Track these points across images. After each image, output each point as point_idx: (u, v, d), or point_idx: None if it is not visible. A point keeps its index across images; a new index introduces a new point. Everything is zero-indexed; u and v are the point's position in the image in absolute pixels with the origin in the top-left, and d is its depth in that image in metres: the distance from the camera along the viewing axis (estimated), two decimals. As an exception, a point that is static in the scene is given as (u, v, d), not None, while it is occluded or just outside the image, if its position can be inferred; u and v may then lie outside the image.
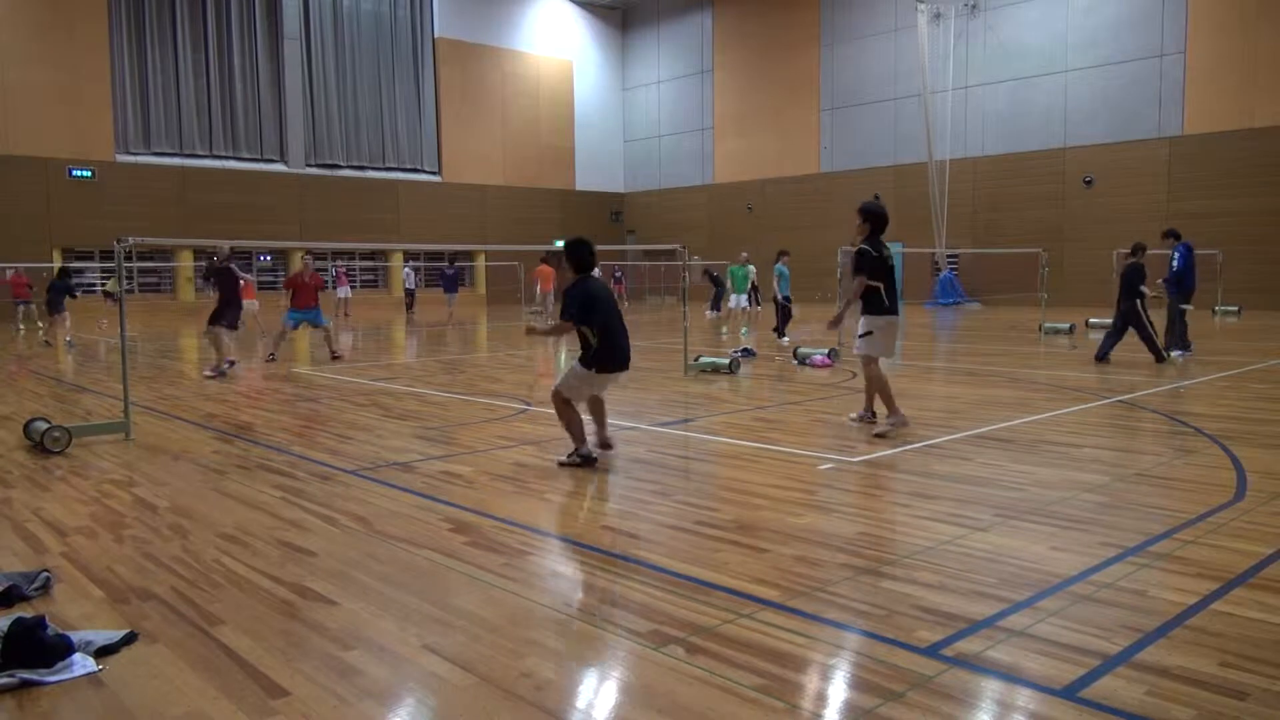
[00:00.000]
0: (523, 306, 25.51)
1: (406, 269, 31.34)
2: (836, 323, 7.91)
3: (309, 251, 16.44)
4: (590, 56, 40.68)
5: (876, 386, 7.45)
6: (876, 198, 33.10)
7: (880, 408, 7.62)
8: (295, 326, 14.23)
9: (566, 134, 40.13)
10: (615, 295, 6.76)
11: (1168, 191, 26.28)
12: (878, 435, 7.25)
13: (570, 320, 6.31)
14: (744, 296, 19.63)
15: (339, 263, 32.70)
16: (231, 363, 12.77)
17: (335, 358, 14.13)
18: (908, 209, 31.61)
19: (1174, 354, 12.74)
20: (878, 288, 7.37)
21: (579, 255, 6.38)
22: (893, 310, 7.45)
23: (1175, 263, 12.93)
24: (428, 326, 23.93)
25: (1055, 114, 28.32)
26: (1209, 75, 25.31)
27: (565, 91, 39.97)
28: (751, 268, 19.74)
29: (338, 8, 33.70)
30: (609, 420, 6.78)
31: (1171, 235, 13.23)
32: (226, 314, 12.67)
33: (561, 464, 6.33)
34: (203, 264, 15.21)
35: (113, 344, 18.02)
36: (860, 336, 7.49)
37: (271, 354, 14.14)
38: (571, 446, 6.41)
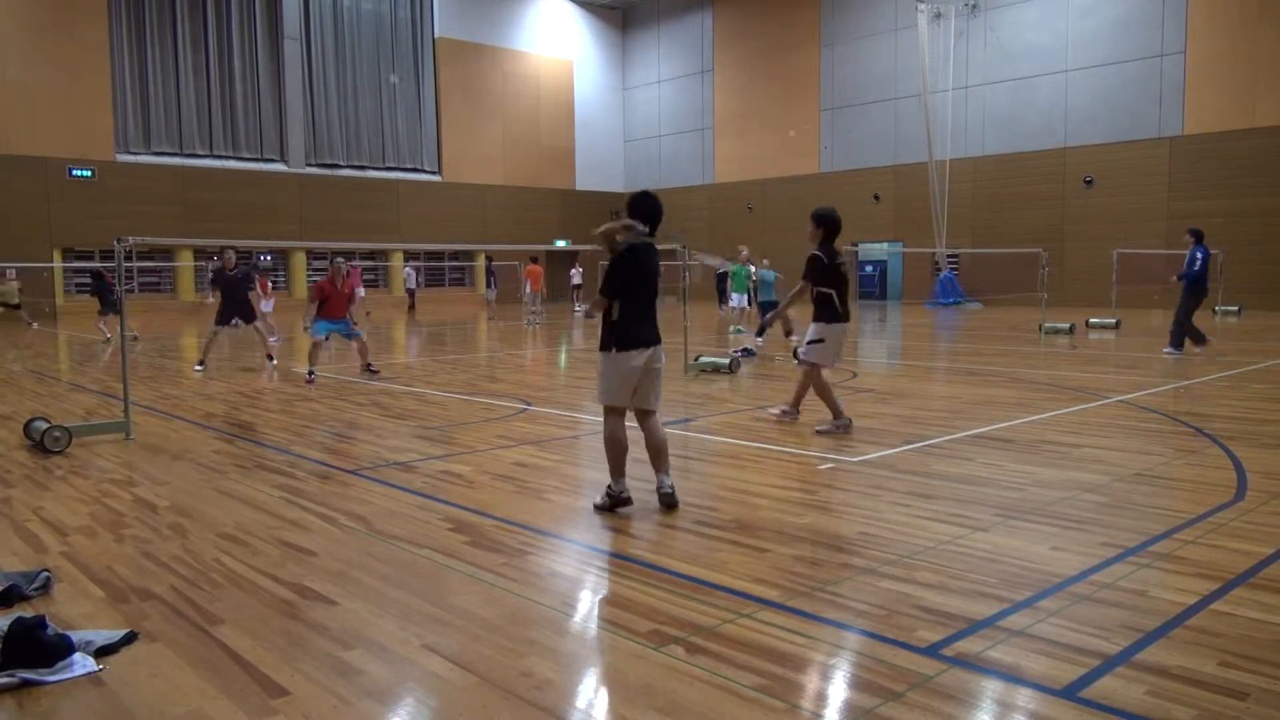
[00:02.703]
0: (523, 307, 25.64)
1: (407, 269, 31.23)
2: (765, 329, 7.93)
3: (339, 254, 13.97)
4: (590, 56, 40.68)
5: (822, 393, 7.51)
6: (876, 198, 32.78)
7: (789, 401, 7.92)
8: (326, 336, 12.27)
9: (566, 134, 40.14)
10: (656, 267, 5.37)
11: (1168, 191, 26.28)
12: (820, 433, 7.39)
13: (611, 296, 5.20)
14: (744, 295, 19.62)
15: (355, 262, 32.40)
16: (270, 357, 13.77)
17: (371, 371, 12.20)
18: (908, 209, 31.64)
19: (1166, 351, 13.03)
20: (830, 294, 7.38)
21: (635, 208, 5.30)
22: (845, 318, 7.50)
23: (1196, 264, 13.00)
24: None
25: (1055, 114, 28.31)
26: (1209, 75, 25.30)
27: (565, 91, 39.97)
28: (753, 266, 19.71)
29: (338, 8, 33.70)
30: (670, 464, 5.39)
31: (1193, 235, 13.32)
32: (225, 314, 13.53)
33: (597, 506, 5.23)
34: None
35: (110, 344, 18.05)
36: (809, 343, 7.53)
37: (310, 372, 11.85)
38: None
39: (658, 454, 5.31)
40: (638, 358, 5.18)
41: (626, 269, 5.17)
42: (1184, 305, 13.05)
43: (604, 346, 5.22)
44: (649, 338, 5.25)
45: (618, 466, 5.21)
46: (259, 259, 32.49)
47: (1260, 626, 3.40)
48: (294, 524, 5.01)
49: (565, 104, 39.97)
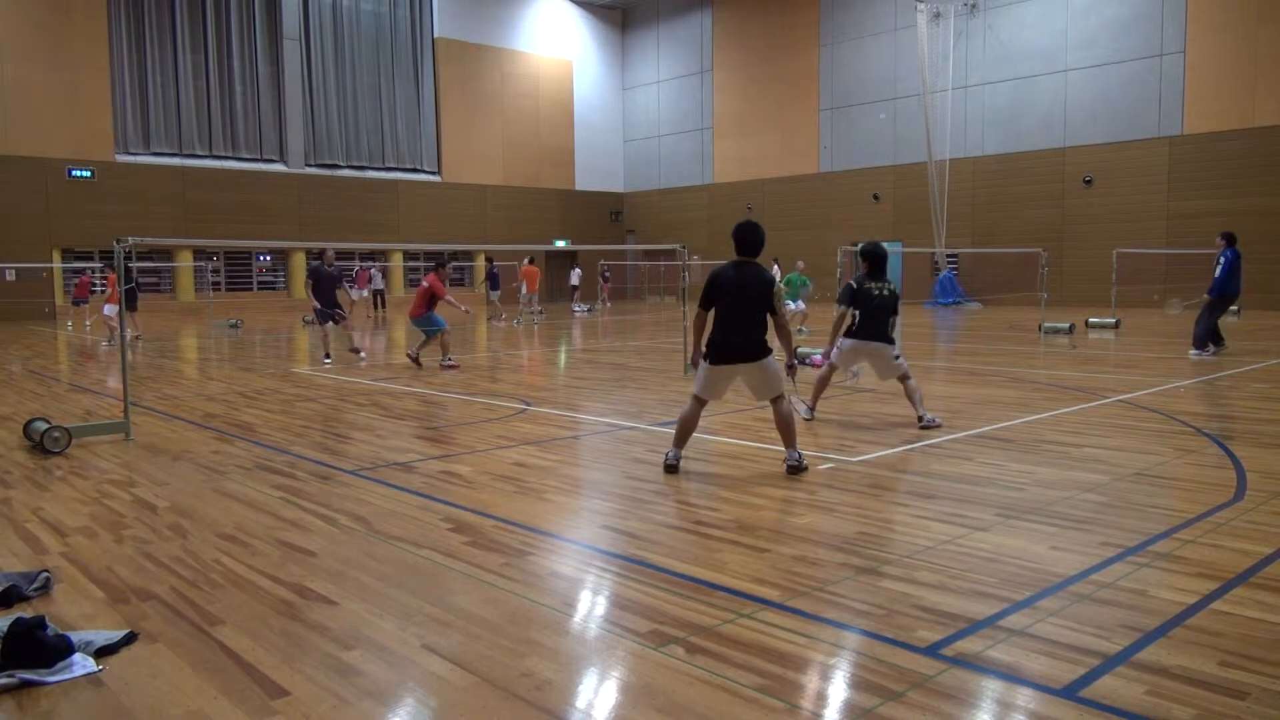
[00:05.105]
0: (520, 307, 25.65)
1: (374, 269, 30.85)
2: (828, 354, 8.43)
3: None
4: (590, 56, 40.68)
5: (820, 382, 8.29)
6: (876, 198, 32.70)
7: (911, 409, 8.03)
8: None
9: (566, 134, 40.13)
10: (745, 283, 6.05)
11: (1168, 191, 26.28)
12: (807, 420, 7.90)
13: (701, 308, 6.21)
14: (800, 301, 19.76)
15: (367, 263, 32.20)
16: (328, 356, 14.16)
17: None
18: (907, 209, 31.64)
19: (1191, 353, 12.88)
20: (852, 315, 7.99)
21: (737, 236, 6.15)
22: (859, 336, 7.91)
23: (1218, 270, 12.90)
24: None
25: (1055, 114, 28.31)
26: (1209, 75, 25.30)
27: (565, 91, 39.97)
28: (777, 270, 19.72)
29: (337, 8, 33.70)
30: (798, 438, 6.22)
31: (1224, 238, 13.31)
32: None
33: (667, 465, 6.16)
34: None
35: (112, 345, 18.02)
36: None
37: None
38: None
39: (783, 431, 6.11)
40: (729, 374, 6.10)
41: (709, 288, 6.06)
42: (1208, 309, 12.88)
43: (704, 355, 6.14)
44: (739, 355, 6.03)
45: (680, 440, 6.19)
46: (259, 259, 32.39)
47: (1260, 626, 3.40)
48: (294, 524, 5.01)
49: (564, 104, 39.96)
